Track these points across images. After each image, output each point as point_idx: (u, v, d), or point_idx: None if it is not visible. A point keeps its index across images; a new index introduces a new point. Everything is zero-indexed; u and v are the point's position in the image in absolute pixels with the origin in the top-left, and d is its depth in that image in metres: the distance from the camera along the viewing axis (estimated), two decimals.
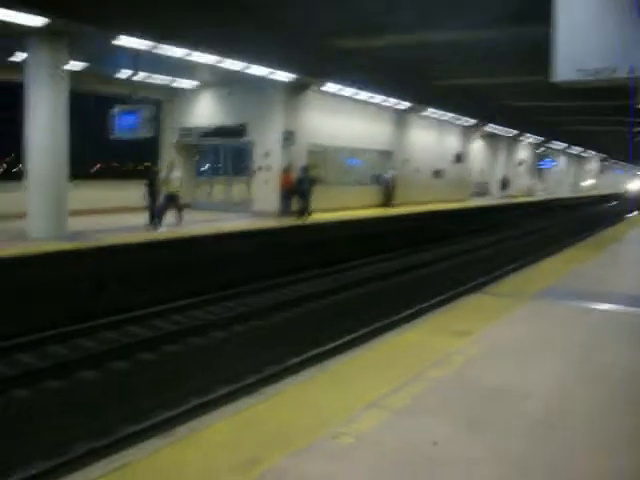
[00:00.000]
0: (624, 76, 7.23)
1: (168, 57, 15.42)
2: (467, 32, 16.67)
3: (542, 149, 50.60)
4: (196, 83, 22.95)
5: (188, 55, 15.42)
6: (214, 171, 25.91)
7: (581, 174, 69.29)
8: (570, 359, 6.51)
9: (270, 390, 5.59)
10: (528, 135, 43.99)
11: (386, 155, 28.55)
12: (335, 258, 18.57)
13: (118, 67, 18.66)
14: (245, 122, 22.38)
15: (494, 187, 42.09)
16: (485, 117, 33.85)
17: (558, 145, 51.69)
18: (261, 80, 19.51)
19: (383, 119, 27.54)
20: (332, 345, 10.44)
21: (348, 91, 22.29)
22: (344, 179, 26.61)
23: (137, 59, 16.75)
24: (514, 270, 15.10)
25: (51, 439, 7.10)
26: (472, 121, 33.81)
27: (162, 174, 17.91)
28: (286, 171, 21.23)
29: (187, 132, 24.05)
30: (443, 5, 14.57)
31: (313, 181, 21.01)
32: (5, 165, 36.45)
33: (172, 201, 17.58)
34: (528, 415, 5.02)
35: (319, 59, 19.09)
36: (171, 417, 7.53)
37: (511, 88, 27.11)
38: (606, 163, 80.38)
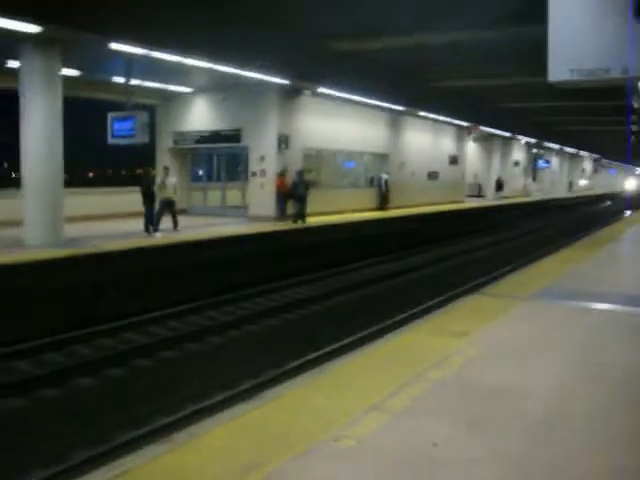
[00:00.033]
0: (618, 76, 7.24)
1: (162, 62, 15.39)
2: (466, 33, 16.67)
3: (537, 150, 50.70)
4: (191, 88, 22.92)
5: (182, 59, 15.39)
6: (209, 176, 25.89)
7: (576, 174, 69.42)
8: (569, 359, 6.50)
9: (269, 394, 5.57)
10: (523, 135, 44.05)
11: (381, 158, 28.58)
12: (332, 261, 18.58)
13: (112, 73, 18.63)
14: (240, 127, 22.37)
15: (489, 188, 42.15)
16: (480, 119, 33.89)
17: (553, 145, 51.79)
18: (256, 84, 19.53)
19: (378, 121, 27.57)
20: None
21: (342, 94, 22.27)
22: (340, 182, 26.65)
23: (131, 65, 16.75)
24: (511, 271, 15.11)
25: (48, 448, 7.06)
26: (467, 123, 33.88)
27: (158, 180, 17.89)
28: (281, 175, 21.25)
29: (182, 137, 24.02)
30: (442, 6, 14.57)
31: (308, 185, 21.02)
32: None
33: (168, 207, 17.57)
34: (528, 415, 5.01)
35: (314, 62, 19.08)
36: (168, 423, 7.50)
37: (508, 89, 27.17)
38: (600, 163, 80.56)
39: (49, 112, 14.32)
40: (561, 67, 7.37)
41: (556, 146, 52.87)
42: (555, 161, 57.82)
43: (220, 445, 4.39)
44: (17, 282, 11.78)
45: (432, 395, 5.36)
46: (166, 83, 21.69)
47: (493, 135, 40.16)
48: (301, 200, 20.48)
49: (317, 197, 21.87)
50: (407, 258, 21.33)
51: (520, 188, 48.00)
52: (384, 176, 27.47)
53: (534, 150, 50.46)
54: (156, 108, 24.12)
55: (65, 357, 10.41)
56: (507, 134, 40.77)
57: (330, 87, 21.13)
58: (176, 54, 14.86)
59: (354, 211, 24.98)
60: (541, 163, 52.00)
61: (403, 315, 12.68)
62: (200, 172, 26.37)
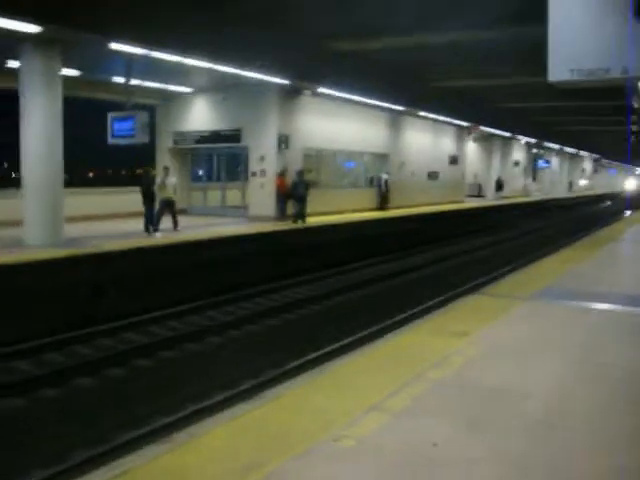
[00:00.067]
0: (618, 76, 7.25)
1: (162, 62, 15.39)
2: (466, 33, 16.67)
3: (537, 150, 50.71)
4: (191, 88, 22.92)
5: (183, 59, 15.39)
6: (209, 176, 25.88)
7: (576, 174, 69.43)
8: (569, 359, 6.50)
9: (269, 394, 5.57)
10: (523, 135, 44.07)
11: (381, 158, 28.59)
12: (332, 261, 18.58)
13: (112, 73, 18.63)
14: (240, 127, 22.37)
15: (489, 188, 42.16)
16: (480, 119, 33.90)
17: (553, 145, 51.81)
18: (256, 84, 19.54)
19: (378, 121, 27.58)
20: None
21: (342, 93, 22.28)
22: (340, 182, 26.66)
23: (131, 65, 16.76)
24: (511, 271, 15.11)
25: (48, 448, 7.06)
26: (467, 123, 33.89)
27: (158, 180, 17.88)
28: (281, 175, 21.26)
29: (182, 137, 24.03)
30: (441, 6, 14.57)
31: (308, 185, 21.02)
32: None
33: (168, 207, 17.57)
34: (528, 415, 5.01)
35: (314, 62, 19.08)
36: (168, 423, 7.50)
37: (507, 89, 27.18)
38: (600, 163, 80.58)
39: (49, 112, 14.33)
40: (561, 67, 7.38)
41: (556, 146, 52.90)
42: (555, 161, 57.83)
43: (220, 445, 4.39)
44: (17, 282, 11.78)
45: (432, 395, 5.36)
46: (166, 83, 21.70)
47: (493, 135, 40.17)
48: (301, 200, 20.48)
49: (317, 197, 21.88)
50: (407, 258, 21.33)
51: (520, 188, 48.02)
52: (384, 176, 27.47)
53: (534, 150, 50.47)
54: (156, 108, 24.13)
55: (65, 357, 10.41)
56: (507, 134, 40.78)
57: (330, 87, 21.14)
58: (176, 54, 14.87)
59: (354, 211, 24.99)
60: (541, 163, 52.02)
61: (403, 315, 12.69)
62: (200, 172, 26.38)
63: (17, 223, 14.86)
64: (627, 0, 7.06)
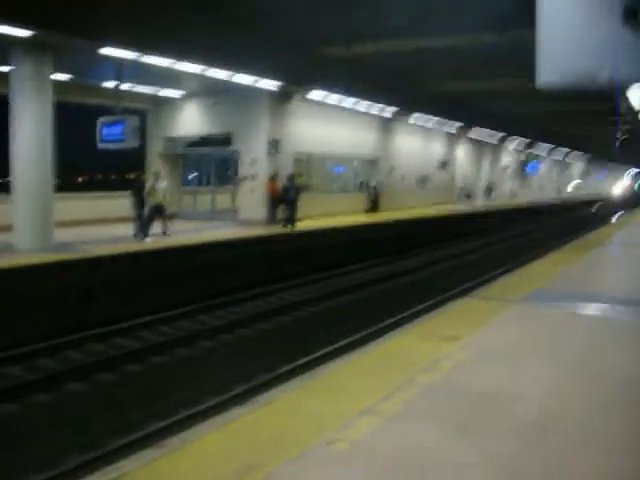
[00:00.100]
0: (605, 81, 7.31)
1: (153, 66, 15.40)
2: (460, 37, 16.71)
3: (526, 153, 50.89)
4: (182, 92, 22.92)
5: (174, 64, 15.41)
6: (200, 180, 25.87)
7: (565, 178, 69.71)
8: (559, 361, 6.54)
9: (262, 398, 5.59)
10: (512, 140, 44.22)
11: (372, 162, 28.66)
12: (322, 265, 18.60)
13: (103, 78, 18.62)
14: (231, 131, 22.39)
15: (479, 192, 42.27)
16: (472, 120, 33.97)
17: (542, 150, 52.03)
18: (246, 89, 19.58)
19: (369, 126, 27.66)
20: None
21: (333, 99, 22.38)
22: (330, 187, 26.72)
23: (122, 69, 16.75)
24: (501, 274, 15.18)
25: (41, 453, 7.05)
26: (457, 126, 33.97)
27: (148, 185, 17.86)
28: (272, 179, 21.27)
29: (173, 142, 24.03)
30: (434, 11, 14.61)
31: (299, 189, 21.04)
32: None
33: (158, 211, 17.55)
34: (518, 418, 5.05)
35: (307, 66, 19.12)
36: (161, 428, 7.51)
37: (496, 93, 27.24)
38: (588, 167, 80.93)
39: (39, 117, 14.32)
40: (549, 71, 7.43)
41: (545, 150, 53.10)
42: (544, 165, 58.05)
43: (213, 450, 4.41)
44: (6, 287, 11.74)
45: (423, 399, 5.39)
46: (157, 88, 21.67)
47: (482, 139, 40.28)
48: (291, 204, 20.50)
49: (308, 201, 21.89)
50: (397, 262, 21.36)
51: (509, 192, 48.18)
52: (374, 180, 27.52)
53: (523, 154, 50.64)
54: (147, 113, 24.14)
55: (56, 362, 10.39)
56: (498, 137, 40.88)
57: (323, 90, 21.18)
58: (169, 58, 14.88)
59: (344, 215, 25.00)
60: (530, 167, 52.19)
61: (393, 319, 12.71)
62: (191, 176, 26.36)
63: (7, 228, 14.81)
64: (616, 5, 7.13)
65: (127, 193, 18.04)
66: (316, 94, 21.51)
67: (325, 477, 4.07)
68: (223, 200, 24.56)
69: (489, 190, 41.81)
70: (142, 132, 19.60)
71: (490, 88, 25.53)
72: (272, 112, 21.91)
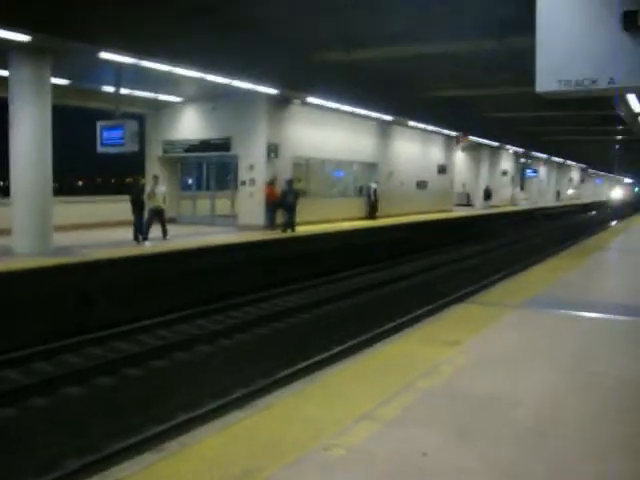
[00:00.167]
0: (605, 87, 7.33)
1: (152, 71, 15.41)
2: (460, 43, 16.74)
3: (525, 159, 50.98)
4: (181, 97, 22.93)
5: (173, 69, 15.42)
6: (199, 185, 25.87)
7: (563, 183, 69.84)
8: (559, 367, 6.54)
9: (260, 403, 5.58)
10: (511, 145, 44.29)
11: (370, 167, 28.67)
12: (321, 270, 18.60)
13: (102, 82, 18.63)
14: (229, 136, 22.41)
15: (477, 197, 42.33)
16: (469, 129, 34.04)
17: (540, 155, 52.10)
18: (246, 93, 19.58)
19: (367, 131, 27.68)
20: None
21: (332, 103, 22.37)
22: (329, 191, 26.71)
23: (121, 74, 16.77)
24: (501, 279, 15.18)
25: (39, 457, 7.04)
26: (455, 132, 34.05)
27: (147, 188, 17.88)
28: (271, 184, 21.29)
29: (172, 146, 24.04)
30: (436, 16, 14.65)
31: (298, 194, 21.07)
32: None
33: (157, 215, 17.56)
34: (518, 423, 5.04)
35: (304, 73, 19.14)
36: (160, 432, 7.49)
37: (496, 99, 27.30)
38: (587, 172, 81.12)
39: (38, 120, 14.32)
40: (548, 77, 7.45)
41: (544, 155, 53.20)
42: (543, 170, 58.15)
43: (212, 454, 4.40)
44: (4, 291, 11.73)
45: (422, 404, 5.38)
46: (156, 92, 21.68)
47: (481, 145, 40.35)
48: (290, 209, 20.53)
49: (306, 206, 21.92)
50: (396, 267, 21.37)
51: (508, 197, 48.26)
52: (373, 185, 27.55)
53: (522, 159, 50.74)
54: (146, 117, 24.18)
55: (54, 366, 10.37)
56: (495, 144, 40.98)
57: (320, 97, 21.20)
58: (166, 63, 14.89)
59: (343, 220, 25.03)
60: (529, 172, 52.28)
61: (392, 324, 12.71)
62: (189, 181, 26.37)
63: (5, 232, 14.81)
64: (615, 11, 7.15)
65: (126, 197, 18.04)
66: (315, 98, 21.49)
67: None
68: (222, 205, 24.55)
69: (488, 195, 41.85)
70: (141, 136, 19.63)
71: (489, 94, 25.59)
72: (271, 117, 21.94)
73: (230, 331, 12.54)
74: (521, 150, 47.27)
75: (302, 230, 20.62)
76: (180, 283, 14.78)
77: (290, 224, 20.52)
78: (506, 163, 48.00)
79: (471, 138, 36.38)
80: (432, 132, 32.71)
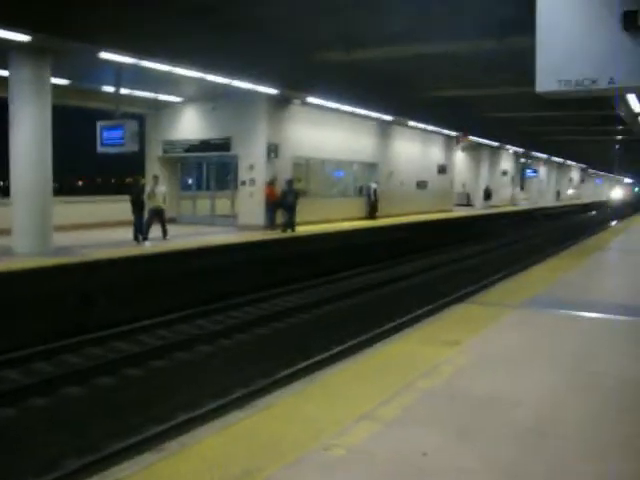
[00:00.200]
0: (605, 87, 7.33)
1: (152, 70, 15.41)
2: (460, 43, 16.75)
3: (525, 159, 50.98)
4: (181, 97, 22.93)
5: (172, 69, 15.42)
6: (199, 185, 25.88)
7: (563, 183, 69.85)
8: (559, 367, 6.54)
9: (260, 403, 5.58)
10: (511, 145, 44.28)
11: (371, 167, 28.67)
12: (321, 270, 18.60)
13: (102, 82, 18.63)
14: (229, 136, 22.41)
15: (477, 197, 42.33)
16: (468, 128, 34.05)
17: (540, 155, 52.10)
18: (246, 93, 19.58)
19: (367, 131, 27.68)
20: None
21: (332, 103, 22.36)
22: (329, 191, 26.72)
23: (120, 74, 16.78)
24: (501, 279, 15.18)
25: (39, 456, 7.04)
26: (455, 132, 34.07)
27: (147, 188, 17.89)
28: (271, 184, 21.29)
29: (172, 146, 24.04)
30: (436, 16, 14.65)
31: (298, 194, 21.08)
32: None
33: (157, 215, 17.56)
34: (518, 424, 5.04)
35: (304, 73, 19.14)
36: (160, 432, 7.49)
37: (496, 99, 27.31)
38: (587, 172, 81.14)
39: (38, 120, 14.32)
40: (548, 77, 7.45)
41: (544, 155, 53.20)
42: (543, 170, 58.16)
43: (212, 454, 4.40)
44: (4, 291, 11.73)
45: (422, 404, 5.38)
46: (156, 92, 21.68)
47: (481, 144, 40.35)
48: (290, 209, 20.54)
49: (306, 206, 21.92)
50: (396, 267, 21.37)
51: (508, 197, 48.27)
52: (373, 185, 27.56)
53: (522, 159, 50.74)
54: (146, 117, 24.19)
55: (54, 366, 10.37)
56: (495, 144, 41.00)
57: (320, 97, 21.20)
58: (165, 63, 14.89)
59: (343, 220, 25.04)
60: (529, 172, 52.29)
61: (392, 324, 12.71)
62: (189, 181, 26.38)
63: (5, 232, 14.82)
64: (615, 11, 7.15)
65: (126, 197, 18.05)
66: (315, 98, 21.49)
67: None
68: (222, 205, 24.55)
69: (488, 195, 41.86)
70: (141, 136, 19.63)
71: (489, 94, 25.60)
72: (271, 116, 21.95)
73: (230, 331, 12.54)
74: (521, 150, 47.27)
75: (302, 230, 20.62)
76: (180, 283, 14.78)
77: (290, 224, 20.53)
78: (506, 163, 48.00)
79: (471, 138, 36.40)
80: (432, 132, 32.71)
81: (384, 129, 28.90)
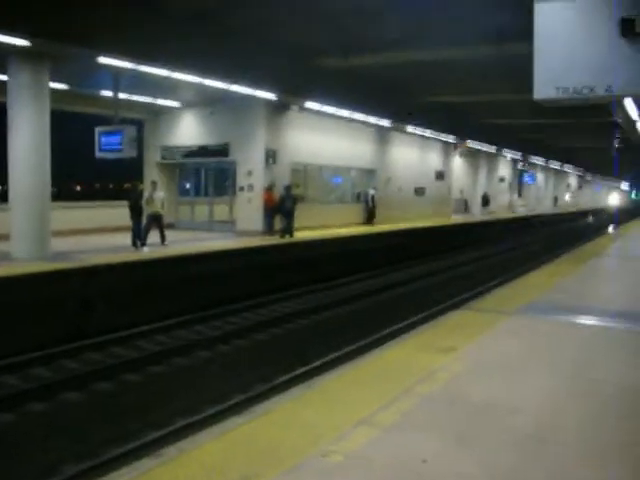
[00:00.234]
0: (602, 95, 7.37)
1: (151, 75, 15.43)
2: (459, 50, 16.79)
3: (522, 165, 51.02)
4: (179, 102, 22.95)
5: (171, 74, 15.43)
6: (197, 191, 25.89)
7: (561, 189, 69.93)
8: (556, 373, 6.54)
9: (259, 409, 5.58)
10: (509, 151, 44.32)
11: (369, 173, 28.71)
12: (319, 276, 18.61)
13: (100, 87, 18.65)
14: (228, 141, 22.44)
15: (475, 204, 42.38)
16: (467, 135, 34.09)
17: (538, 161, 52.18)
18: (244, 98, 19.60)
19: (366, 137, 27.72)
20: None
21: (330, 109, 22.41)
22: (327, 197, 26.76)
23: (119, 79, 16.81)
24: (497, 285, 15.20)
25: (37, 462, 7.04)
26: (453, 138, 34.11)
27: (145, 194, 17.89)
28: (269, 190, 21.32)
29: (170, 151, 24.07)
30: (435, 23, 14.68)
31: (296, 199, 21.10)
32: None
33: (155, 221, 17.56)
34: (516, 430, 5.04)
35: (303, 78, 19.17)
36: (158, 438, 7.49)
37: (494, 105, 27.36)
38: (585, 179, 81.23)
39: (37, 125, 14.34)
40: (547, 85, 7.49)
41: (541, 162, 53.27)
42: (540, 177, 58.23)
43: (210, 460, 4.41)
44: (2, 296, 11.72)
45: (421, 410, 5.39)
46: (154, 98, 21.71)
47: (479, 151, 40.41)
48: (289, 215, 20.56)
49: (304, 212, 21.94)
50: (394, 273, 21.39)
51: (506, 204, 48.32)
52: (371, 191, 27.60)
53: (520, 166, 50.81)
54: (144, 122, 24.20)
55: (53, 372, 10.37)
56: (493, 150, 41.05)
57: (318, 102, 21.24)
58: (164, 68, 14.91)
59: (341, 226, 25.06)
60: (526, 179, 52.36)
61: (389, 330, 12.71)
62: (188, 186, 26.39)
63: (4, 237, 14.82)
64: (612, 19, 7.19)
65: (124, 202, 18.05)
66: (313, 104, 21.54)
67: None
68: (220, 210, 24.55)
69: (486, 201, 41.91)
70: (139, 141, 19.65)
71: (487, 101, 25.66)
72: (269, 122, 21.98)
73: (228, 337, 12.55)
74: (519, 156, 47.34)
75: (300, 236, 20.64)
76: (178, 289, 14.79)
77: (288, 230, 20.55)
78: (504, 169, 48.08)
79: (469, 144, 36.46)
80: (430, 138, 32.75)
81: (382, 135, 28.94)
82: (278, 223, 21.07)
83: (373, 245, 23.12)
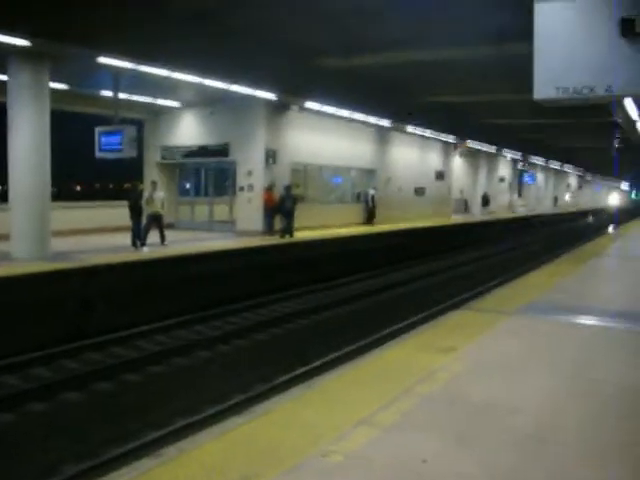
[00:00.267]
0: (602, 95, 7.37)
1: (151, 75, 15.43)
2: (459, 50, 16.78)
3: (522, 165, 51.01)
4: (179, 102, 22.95)
5: (171, 74, 15.43)
6: (197, 191, 25.88)
7: (561, 189, 69.93)
8: (556, 374, 6.54)
9: (259, 409, 5.58)
10: (509, 151, 44.32)
11: (369, 173, 28.71)
12: (320, 276, 18.61)
13: (100, 87, 18.65)
14: (228, 141, 22.43)
15: (475, 204, 42.37)
16: (467, 135, 34.08)
17: (538, 161, 52.18)
18: (244, 98, 19.60)
19: (366, 137, 27.71)
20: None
21: (330, 109, 22.41)
22: (327, 197, 26.76)
23: (119, 79, 16.80)
24: (497, 286, 15.20)
25: (38, 462, 7.04)
26: (453, 138, 34.11)
27: (145, 194, 17.89)
28: (269, 190, 21.32)
29: (170, 151, 24.06)
30: (436, 23, 14.68)
31: (296, 199, 21.10)
32: None
33: (155, 221, 17.56)
34: (516, 430, 5.04)
35: (303, 78, 19.17)
36: (158, 438, 7.49)
37: (494, 105, 27.34)
38: (585, 179, 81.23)
39: (37, 125, 14.34)
40: (547, 85, 7.49)
41: (542, 162, 53.27)
42: (540, 177, 58.22)
43: (210, 460, 4.40)
44: (2, 296, 11.72)
45: (421, 410, 5.39)
46: (154, 97, 21.71)
47: (479, 151, 40.40)
48: (289, 215, 20.56)
49: (304, 212, 21.94)
50: (394, 273, 21.39)
51: (506, 204, 48.32)
52: (371, 192, 27.59)
53: (520, 166, 50.80)
54: (144, 122, 24.20)
55: (53, 372, 10.37)
56: (493, 150, 41.05)
57: (318, 102, 21.23)
58: (164, 68, 14.92)
59: (341, 226, 25.06)
60: (526, 179, 52.35)
61: (389, 330, 12.71)
62: (188, 186, 26.38)
63: (4, 237, 14.82)
64: (612, 19, 7.19)
65: (124, 202, 18.05)
66: (313, 104, 21.54)
67: None
68: (220, 210, 24.55)
69: (486, 201, 41.89)
70: (139, 141, 19.64)
71: (487, 101, 25.64)
72: (269, 122, 21.98)
73: (228, 337, 12.55)
74: (519, 156, 47.33)
75: (300, 236, 20.64)
76: (178, 289, 14.79)
77: (288, 230, 20.55)
78: (504, 169, 48.07)
79: (469, 144, 36.44)
80: (430, 138, 32.75)
81: (382, 135, 28.94)
82: (278, 223, 21.06)
83: (373, 245, 23.12)
